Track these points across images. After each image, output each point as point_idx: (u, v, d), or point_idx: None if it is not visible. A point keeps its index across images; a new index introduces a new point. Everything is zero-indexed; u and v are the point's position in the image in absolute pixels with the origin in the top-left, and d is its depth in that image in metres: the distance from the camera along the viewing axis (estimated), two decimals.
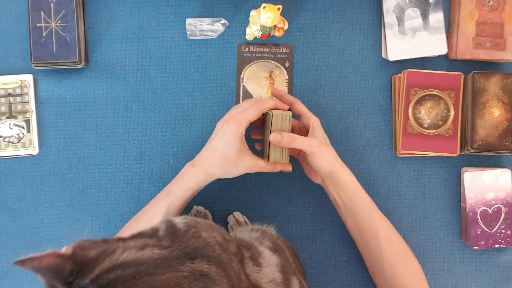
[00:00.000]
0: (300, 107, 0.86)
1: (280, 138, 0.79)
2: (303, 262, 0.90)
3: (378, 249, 0.82)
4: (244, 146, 0.79)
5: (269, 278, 0.62)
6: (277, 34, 0.93)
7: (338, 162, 0.83)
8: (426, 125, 0.92)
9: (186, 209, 0.93)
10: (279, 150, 0.82)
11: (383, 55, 0.95)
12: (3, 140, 0.94)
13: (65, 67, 0.93)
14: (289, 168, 0.85)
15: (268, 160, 0.82)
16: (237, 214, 0.93)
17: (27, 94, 0.94)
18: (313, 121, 0.84)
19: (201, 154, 0.81)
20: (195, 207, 0.93)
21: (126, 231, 0.80)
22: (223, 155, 0.78)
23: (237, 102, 0.96)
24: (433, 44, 0.93)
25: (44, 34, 0.91)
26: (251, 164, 0.79)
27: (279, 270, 0.65)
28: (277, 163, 0.83)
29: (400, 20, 0.93)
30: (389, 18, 0.93)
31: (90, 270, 0.50)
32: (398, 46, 0.93)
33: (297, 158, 0.90)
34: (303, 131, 0.86)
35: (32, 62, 0.92)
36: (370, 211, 0.83)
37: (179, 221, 0.61)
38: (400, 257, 0.83)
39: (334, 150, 0.84)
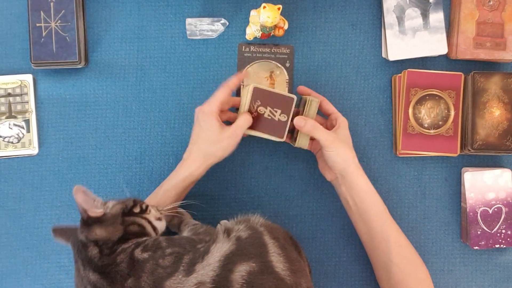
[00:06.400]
0: (329, 106, 0.88)
1: (304, 123, 0.82)
2: None
3: (388, 253, 0.83)
4: (222, 124, 0.82)
5: (194, 282, 0.63)
6: (277, 34, 0.92)
7: (354, 163, 0.84)
8: (426, 125, 0.92)
9: None
10: (305, 137, 0.86)
11: (383, 55, 0.95)
12: (3, 140, 0.94)
13: (65, 67, 0.93)
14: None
15: (295, 143, 0.86)
16: (224, 222, 0.89)
17: (26, 94, 0.94)
18: (341, 121, 0.86)
19: (188, 147, 0.86)
20: None
21: None
22: (204, 137, 0.82)
23: None
24: (433, 44, 0.93)
25: (44, 34, 0.91)
26: (230, 130, 0.81)
27: (219, 266, 0.65)
28: (245, 114, 0.83)
29: (400, 20, 0.93)
30: (389, 18, 0.93)
31: None
32: (398, 46, 0.93)
33: (315, 154, 0.91)
34: (329, 129, 0.86)
35: (32, 62, 0.92)
36: (381, 215, 0.84)
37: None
38: (409, 263, 0.83)
39: (353, 152, 0.85)
